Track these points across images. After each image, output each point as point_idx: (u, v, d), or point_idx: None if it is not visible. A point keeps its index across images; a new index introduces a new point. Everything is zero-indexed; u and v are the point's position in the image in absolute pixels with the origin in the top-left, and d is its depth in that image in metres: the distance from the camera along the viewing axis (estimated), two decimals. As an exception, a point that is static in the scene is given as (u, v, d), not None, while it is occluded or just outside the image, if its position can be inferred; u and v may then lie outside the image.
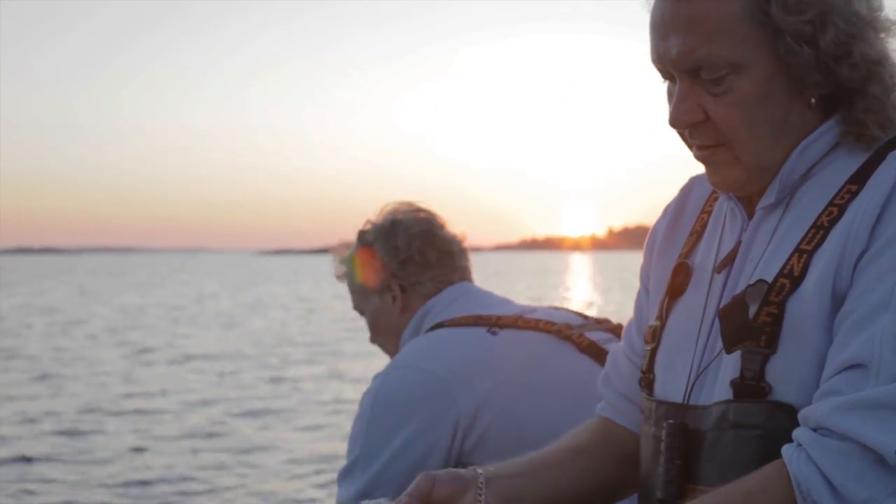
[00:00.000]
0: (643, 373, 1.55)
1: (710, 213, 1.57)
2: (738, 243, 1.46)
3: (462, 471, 1.51)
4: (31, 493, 7.79)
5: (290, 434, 10.36)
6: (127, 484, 8.08)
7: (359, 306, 2.51)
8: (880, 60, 1.36)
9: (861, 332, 1.26)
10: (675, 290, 1.54)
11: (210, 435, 10.28)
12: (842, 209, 1.34)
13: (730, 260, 1.46)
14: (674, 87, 1.41)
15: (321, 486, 8.04)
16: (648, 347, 1.55)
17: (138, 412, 11.62)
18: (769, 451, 1.30)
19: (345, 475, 2.19)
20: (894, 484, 1.20)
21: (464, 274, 2.45)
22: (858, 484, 1.20)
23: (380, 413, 2.17)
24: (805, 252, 1.35)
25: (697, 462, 1.39)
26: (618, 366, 1.67)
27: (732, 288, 1.43)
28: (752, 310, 1.35)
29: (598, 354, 2.19)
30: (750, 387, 1.34)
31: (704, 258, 1.52)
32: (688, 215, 1.62)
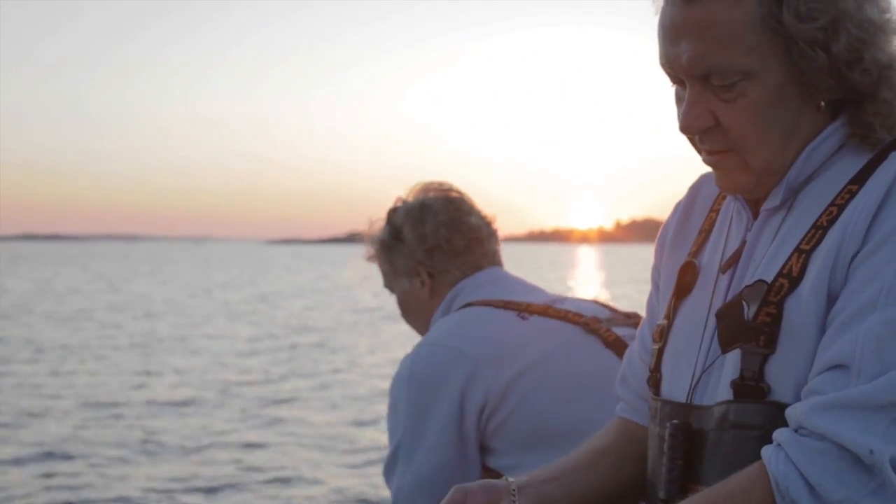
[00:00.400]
0: (651, 372, 1.56)
1: (718, 211, 1.57)
2: (743, 243, 1.46)
3: (494, 481, 1.53)
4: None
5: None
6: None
7: (389, 285, 2.52)
8: (891, 64, 1.36)
9: (846, 332, 1.26)
10: (682, 289, 1.54)
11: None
12: (841, 209, 1.34)
13: (734, 260, 1.47)
14: (682, 91, 1.41)
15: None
16: (656, 347, 1.56)
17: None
18: (764, 446, 1.30)
19: (391, 467, 2.18)
20: (871, 483, 1.20)
21: (493, 258, 2.44)
22: (835, 483, 1.21)
23: (413, 392, 2.16)
24: (804, 252, 1.35)
25: (700, 462, 1.40)
26: (633, 366, 1.68)
27: (736, 288, 1.43)
28: (752, 310, 1.35)
29: (623, 350, 2.15)
30: (749, 387, 1.34)
31: (711, 258, 1.53)
32: (697, 214, 1.62)
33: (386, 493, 2.31)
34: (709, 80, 1.37)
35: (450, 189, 2.46)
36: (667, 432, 1.44)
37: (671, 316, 1.55)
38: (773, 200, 1.43)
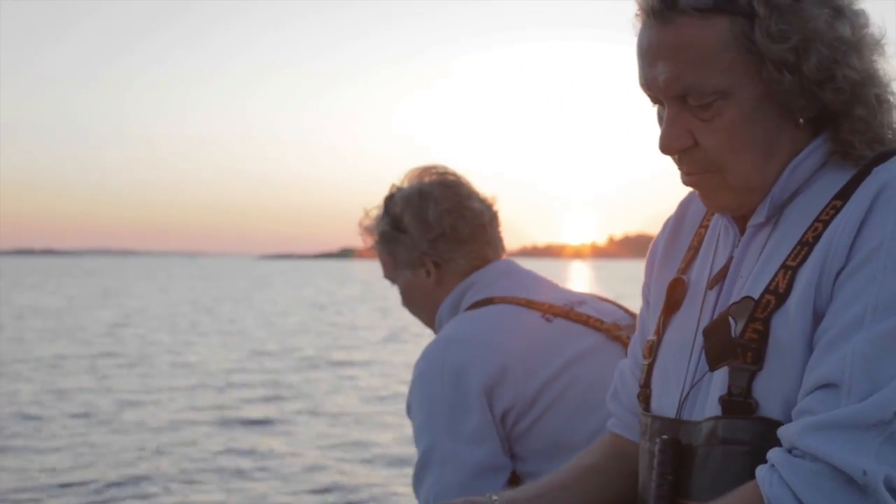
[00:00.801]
0: (641, 387, 1.56)
1: (707, 227, 1.58)
2: (730, 259, 1.47)
3: (477, 498, 1.54)
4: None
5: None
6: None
7: (389, 277, 2.41)
8: (864, 81, 1.36)
9: (834, 350, 1.26)
10: (672, 305, 1.55)
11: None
12: (826, 225, 1.34)
13: (721, 276, 1.47)
14: (663, 110, 1.42)
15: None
16: (645, 362, 1.57)
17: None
18: (757, 466, 1.31)
19: (424, 470, 2.05)
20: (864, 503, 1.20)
21: (497, 245, 2.35)
22: None
23: (448, 389, 2.06)
24: (790, 268, 1.35)
25: (689, 477, 1.40)
26: (624, 381, 1.69)
27: (724, 304, 1.44)
28: (739, 326, 1.36)
29: None
30: (737, 403, 1.35)
31: (700, 274, 1.53)
32: (686, 230, 1.63)
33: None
34: (686, 101, 1.38)
35: (446, 172, 2.34)
36: (656, 447, 1.44)
37: (660, 332, 1.55)
38: (758, 216, 1.43)
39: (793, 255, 1.36)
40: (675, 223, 1.66)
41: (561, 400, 2.10)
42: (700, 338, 1.45)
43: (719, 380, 1.38)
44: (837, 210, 1.35)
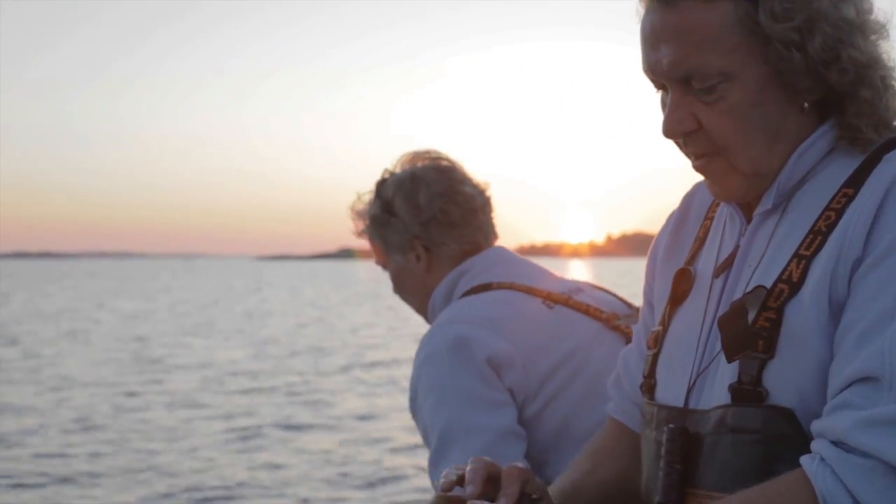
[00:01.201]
0: (645, 378, 1.56)
1: (713, 219, 1.57)
2: (737, 248, 1.46)
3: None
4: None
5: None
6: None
7: (381, 262, 2.39)
8: (870, 63, 1.36)
9: (868, 343, 1.25)
10: (678, 296, 1.54)
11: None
12: (839, 213, 1.34)
13: (727, 264, 1.47)
14: (666, 96, 1.42)
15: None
16: (650, 353, 1.56)
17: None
18: (767, 455, 1.31)
19: (444, 449, 2.02)
20: None
21: (488, 230, 2.32)
22: (883, 501, 1.20)
23: (457, 370, 2.04)
24: (804, 258, 1.34)
25: (697, 466, 1.39)
26: (629, 369, 1.68)
27: (730, 292, 1.44)
28: (751, 315, 1.35)
29: None
30: (747, 391, 1.34)
31: (706, 264, 1.53)
32: (691, 222, 1.62)
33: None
34: (690, 84, 1.38)
35: (439, 157, 2.33)
36: (664, 436, 1.43)
37: (666, 322, 1.55)
38: (765, 204, 1.43)
39: (805, 244, 1.35)
40: (679, 216, 1.65)
41: (564, 391, 2.09)
42: (707, 326, 1.45)
43: (728, 368, 1.38)
44: (849, 198, 1.34)
